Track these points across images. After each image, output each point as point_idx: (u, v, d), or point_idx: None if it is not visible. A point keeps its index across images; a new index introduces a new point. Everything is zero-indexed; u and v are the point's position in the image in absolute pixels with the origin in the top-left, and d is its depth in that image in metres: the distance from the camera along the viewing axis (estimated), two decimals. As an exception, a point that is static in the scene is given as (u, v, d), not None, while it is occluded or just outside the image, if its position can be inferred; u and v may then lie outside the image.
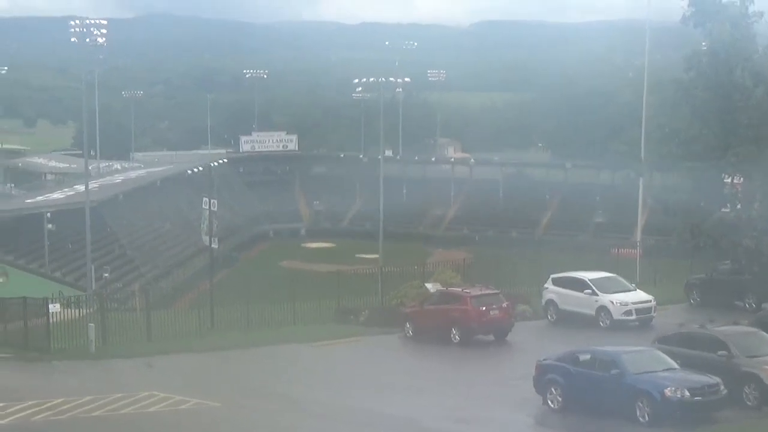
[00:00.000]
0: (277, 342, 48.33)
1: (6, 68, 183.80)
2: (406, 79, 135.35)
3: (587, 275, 49.88)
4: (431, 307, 47.92)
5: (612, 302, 47.69)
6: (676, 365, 32.19)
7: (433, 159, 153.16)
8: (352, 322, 53.00)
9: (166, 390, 38.00)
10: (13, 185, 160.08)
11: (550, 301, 50.22)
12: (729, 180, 48.90)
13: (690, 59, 49.07)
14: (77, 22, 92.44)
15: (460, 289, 48.61)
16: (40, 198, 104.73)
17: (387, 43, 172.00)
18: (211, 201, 55.29)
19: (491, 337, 46.29)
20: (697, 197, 53.17)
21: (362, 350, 46.95)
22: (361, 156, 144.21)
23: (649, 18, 69.11)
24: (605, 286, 48.67)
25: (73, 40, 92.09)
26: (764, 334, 34.84)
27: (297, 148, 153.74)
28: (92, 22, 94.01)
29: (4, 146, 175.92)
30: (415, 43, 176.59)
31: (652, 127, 68.34)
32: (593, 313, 48.02)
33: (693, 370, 31.96)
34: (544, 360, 34.26)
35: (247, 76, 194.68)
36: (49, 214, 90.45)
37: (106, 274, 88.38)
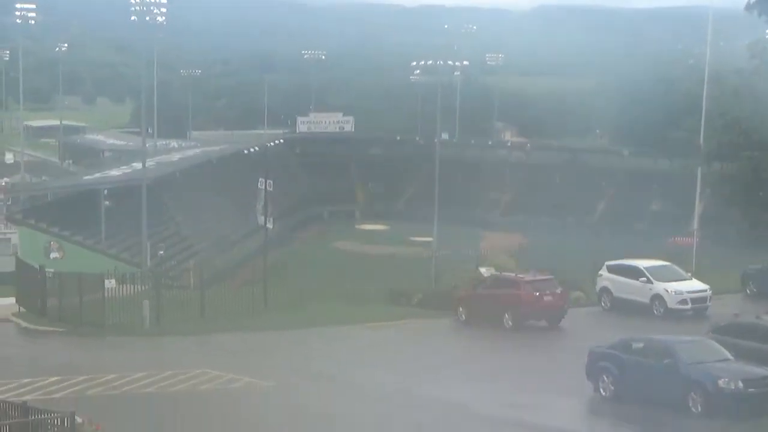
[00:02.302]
0: (330, 323, 48.42)
1: (66, 45, 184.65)
2: (465, 63, 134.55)
3: (642, 263, 49.58)
4: (484, 292, 47.80)
5: (667, 291, 47.34)
6: (730, 356, 31.88)
7: (489, 143, 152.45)
8: (404, 304, 53.01)
9: (219, 368, 38.19)
10: (71, 162, 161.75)
11: (605, 289, 49.94)
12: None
13: (753, 48, 48.61)
14: (137, 0, 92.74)
15: (513, 274, 48.52)
16: (97, 175, 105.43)
17: (446, 26, 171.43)
18: (267, 181, 55.44)
19: (544, 323, 46.11)
20: (757, 187, 52.66)
21: (414, 333, 46.92)
22: (417, 139, 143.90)
23: (713, 5, 68.39)
24: (660, 275, 48.32)
25: (133, 18, 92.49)
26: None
27: (353, 130, 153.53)
28: (152, 0, 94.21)
29: (64, 123, 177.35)
30: (475, 27, 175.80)
31: (713, 115, 67.82)
32: (648, 301, 47.71)
33: (748, 361, 31.64)
34: (596, 347, 34.05)
35: (305, 57, 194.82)
36: (106, 191, 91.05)
37: (161, 252, 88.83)
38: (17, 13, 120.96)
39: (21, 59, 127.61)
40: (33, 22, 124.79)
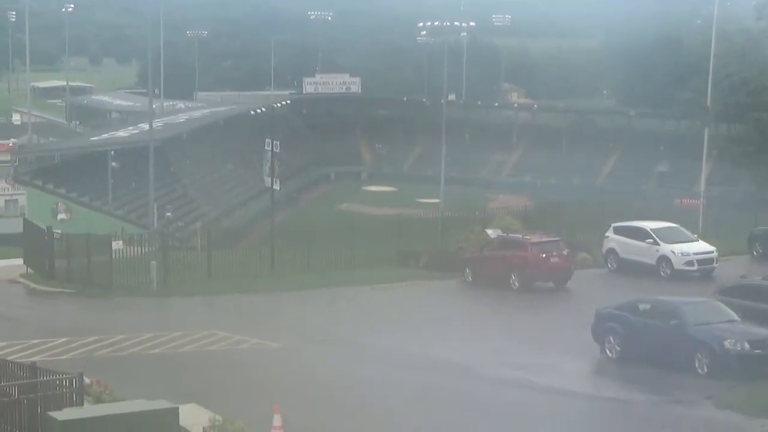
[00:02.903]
0: (337, 284, 48.50)
1: (72, 6, 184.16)
2: (471, 24, 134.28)
3: (649, 224, 49.65)
4: (491, 253, 47.88)
5: (673, 252, 47.43)
6: (736, 317, 31.98)
7: (496, 104, 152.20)
8: (411, 266, 53.07)
9: (226, 329, 38.34)
10: (78, 122, 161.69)
11: (611, 250, 50.01)
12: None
13: (761, 8, 48.41)
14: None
15: (520, 236, 48.57)
16: (104, 135, 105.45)
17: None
18: (274, 142, 55.42)
19: (551, 284, 46.23)
20: (765, 148, 52.65)
21: (421, 294, 47.02)
22: (424, 100, 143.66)
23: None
24: (667, 236, 48.39)
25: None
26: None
27: (360, 91, 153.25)
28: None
29: (70, 84, 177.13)
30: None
31: (720, 76, 67.63)
32: (654, 262, 47.81)
33: (754, 322, 31.72)
34: (603, 308, 34.15)
35: (311, 17, 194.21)
36: (113, 152, 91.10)
37: (169, 213, 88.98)
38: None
39: (27, 21, 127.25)
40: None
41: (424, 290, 47.77)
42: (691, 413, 28.23)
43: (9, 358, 28.28)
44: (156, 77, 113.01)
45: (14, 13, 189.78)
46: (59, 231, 57.55)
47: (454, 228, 57.43)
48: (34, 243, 54.75)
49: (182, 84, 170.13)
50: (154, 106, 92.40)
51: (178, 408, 21.46)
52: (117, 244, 51.39)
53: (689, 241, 48.61)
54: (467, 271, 48.29)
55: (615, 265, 49.69)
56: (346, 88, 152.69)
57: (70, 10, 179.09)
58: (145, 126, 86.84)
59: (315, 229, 57.74)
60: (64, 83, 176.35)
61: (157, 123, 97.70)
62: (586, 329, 34.15)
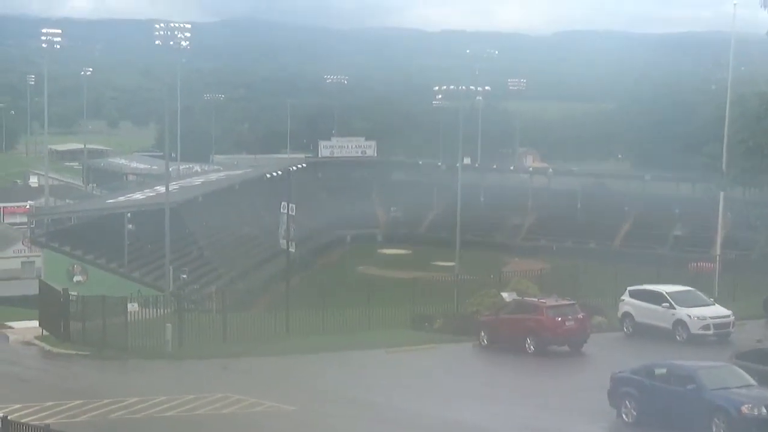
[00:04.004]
0: (353, 347, 48.42)
1: (91, 69, 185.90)
2: (486, 88, 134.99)
3: (665, 288, 49.46)
4: (506, 317, 47.78)
5: (689, 316, 47.22)
6: (753, 382, 31.79)
7: (511, 168, 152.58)
8: (427, 329, 53.03)
9: (241, 392, 38.26)
10: (95, 185, 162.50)
11: (627, 314, 49.84)
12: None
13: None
14: (162, 25, 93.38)
15: (535, 299, 48.45)
16: (121, 198, 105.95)
17: (468, 51, 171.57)
18: (290, 205, 55.63)
19: (566, 348, 46.04)
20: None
21: (437, 358, 46.89)
22: (439, 163, 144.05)
23: (734, 30, 68.36)
24: (683, 300, 48.19)
25: (157, 43, 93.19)
26: None
27: (376, 154, 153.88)
28: (176, 25, 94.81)
29: (88, 146, 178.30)
30: (496, 52, 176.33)
31: (735, 140, 67.62)
32: (670, 326, 47.59)
33: (771, 387, 31.54)
34: (619, 373, 34.00)
35: (327, 81, 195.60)
36: (129, 215, 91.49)
37: (184, 275, 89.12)
38: (43, 38, 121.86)
39: (46, 84, 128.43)
40: (58, 47, 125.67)
41: (439, 353, 47.64)
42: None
43: (23, 421, 28.27)
44: (173, 140, 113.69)
45: (33, 76, 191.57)
46: (75, 293, 57.62)
47: (469, 291, 57.33)
48: (49, 305, 54.87)
49: (199, 147, 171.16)
50: (170, 168, 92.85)
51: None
52: (132, 306, 51.43)
53: (705, 305, 48.41)
54: (482, 334, 48.20)
55: (631, 329, 49.50)
56: (361, 152, 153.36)
57: (88, 73, 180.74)
58: (162, 189, 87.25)
59: (330, 291, 57.72)
60: (82, 146, 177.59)
61: (174, 186, 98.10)
62: (602, 393, 33.99)
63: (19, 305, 72.96)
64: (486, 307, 52.22)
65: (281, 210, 57.28)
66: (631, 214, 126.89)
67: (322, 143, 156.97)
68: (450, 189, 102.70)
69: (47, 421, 28.41)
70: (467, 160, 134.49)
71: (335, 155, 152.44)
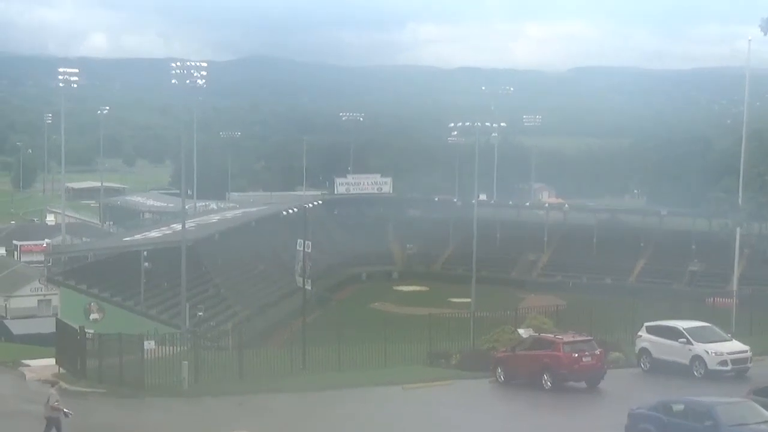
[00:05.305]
0: (369, 384, 48.37)
1: (108, 108, 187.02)
2: (502, 124, 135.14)
3: (682, 324, 49.32)
4: (523, 353, 47.67)
5: (707, 352, 47.04)
6: (772, 418, 31.64)
7: (527, 204, 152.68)
8: (443, 365, 52.96)
9: (257, 430, 38.21)
10: (111, 223, 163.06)
11: (644, 350, 49.69)
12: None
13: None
14: (178, 64, 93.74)
15: (552, 335, 48.35)
16: (137, 236, 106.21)
17: (483, 87, 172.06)
18: (306, 242, 55.71)
19: (583, 384, 45.89)
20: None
21: (453, 394, 46.78)
22: (455, 200, 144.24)
23: (749, 65, 68.43)
24: (700, 336, 48.03)
25: (173, 81, 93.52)
26: None
27: (391, 191, 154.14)
28: (192, 64, 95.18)
29: (105, 184, 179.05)
30: (512, 88, 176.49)
31: (752, 175, 67.65)
32: (687, 362, 47.41)
33: (789, 423, 31.37)
34: (636, 409, 33.89)
35: (343, 118, 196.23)
36: (145, 253, 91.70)
37: (200, 313, 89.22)
38: (60, 78, 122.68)
39: (63, 122, 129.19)
40: (75, 86, 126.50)
41: (456, 390, 47.53)
42: None
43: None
44: (189, 178, 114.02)
45: (50, 115, 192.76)
46: (91, 331, 57.72)
47: (485, 327, 57.27)
48: (66, 343, 54.94)
49: (215, 184, 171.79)
50: (186, 206, 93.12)
51: None
52: (149, 344, 51.46)
53: (723, 341, 48.23)
54: (499, 370, 48.10)
55: (648, 365, 49.34)
56: (377, 189, 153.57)
57: (105, 111, 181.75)
58: (178, 226, 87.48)
59: (346, 328, 57.68)
60: (98, 184, 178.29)
61: (190, 223, 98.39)
62: (619, 430, 33.86)
63: (36, 343, 73.03)
64: (502, 343, 52.17)
65: (297, 247, 57.35)
66: (647, 249, 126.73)
67: (338, 180, 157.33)
68: (466, 225, 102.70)
69: (64, 459, 28.40)
70: (483, 196, 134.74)
71: (351, 192, 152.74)
